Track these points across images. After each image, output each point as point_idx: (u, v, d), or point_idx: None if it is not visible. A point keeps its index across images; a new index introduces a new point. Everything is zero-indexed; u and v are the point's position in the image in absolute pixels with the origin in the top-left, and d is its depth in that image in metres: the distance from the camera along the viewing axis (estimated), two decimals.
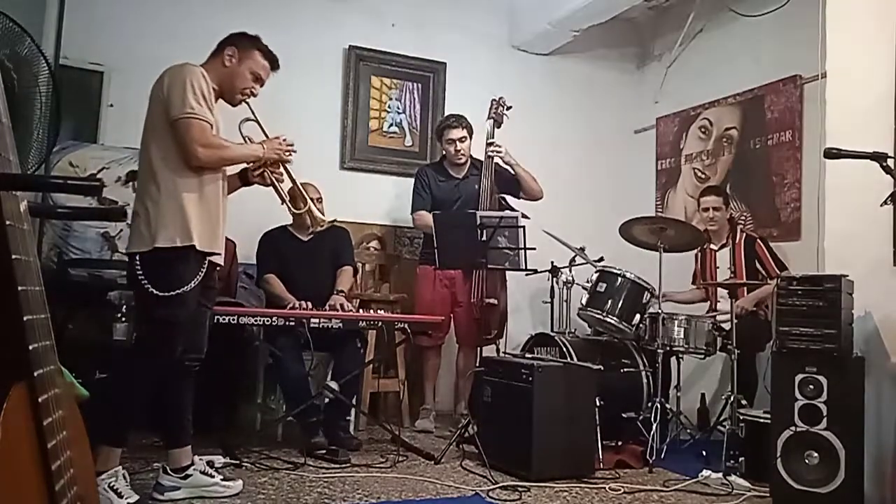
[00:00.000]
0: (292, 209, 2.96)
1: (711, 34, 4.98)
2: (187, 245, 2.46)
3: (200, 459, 2.69)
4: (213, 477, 2.65)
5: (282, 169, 2.81)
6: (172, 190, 2.47)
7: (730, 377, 3.48)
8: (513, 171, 4.26)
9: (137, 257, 2.45)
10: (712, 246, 4.21)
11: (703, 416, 4.16)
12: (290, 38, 4.56)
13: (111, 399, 2.46)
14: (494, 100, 4.29)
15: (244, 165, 2.79)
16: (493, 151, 4.18)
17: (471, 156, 4.31)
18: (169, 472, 2.60)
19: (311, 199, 3.08)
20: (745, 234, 4.13)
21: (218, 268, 2.67)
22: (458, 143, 4.23)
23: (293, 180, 2.91)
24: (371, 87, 4.90)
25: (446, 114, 4.72)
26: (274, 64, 2.77)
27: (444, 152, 4.38)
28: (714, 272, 4.17)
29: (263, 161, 2.75)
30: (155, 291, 2.42)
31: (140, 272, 2.44)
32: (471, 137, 4.27)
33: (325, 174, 4.23)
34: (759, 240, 4.05)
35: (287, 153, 2.80)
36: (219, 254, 2.61)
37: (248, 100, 2.74)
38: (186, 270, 2.47)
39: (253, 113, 2.81)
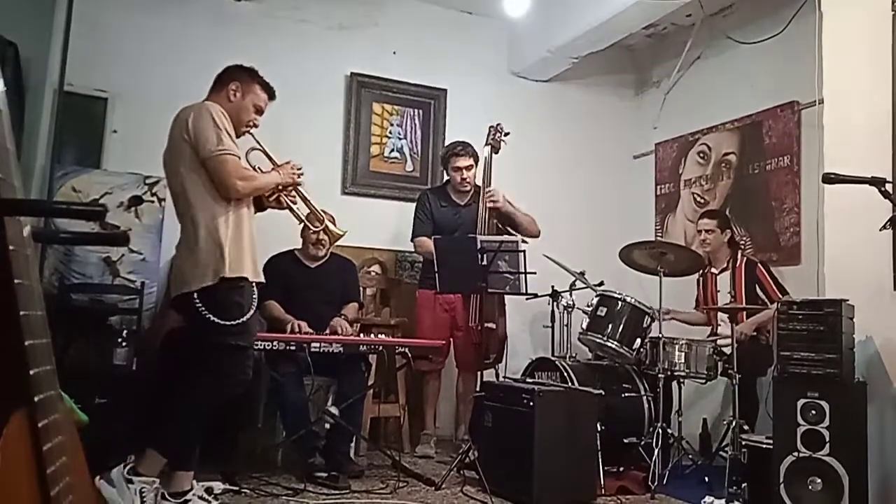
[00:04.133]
0: (311, 227, 3.18)
1: (709, 61, 5.03)
2: (241, 276, 2.61)
3: (200, 485, 2.68)
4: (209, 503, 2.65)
5: (294, 192, 2.96)
6: (215, 227, 2.60)
7: (731, 402, 3.46)
8: (511, 216, 4.21)
9: (195, 295, 2.56)
10: (713, 270, 4.21)
11: (704, 442, 4.13)
12: (292, 65, 4.63)
13: (178, 424, 2.61)
14: (492, 126, 4.31)
15: None
16: (490, 202, 4.15)
17: (475, 183, 4.32)
18: (168, 497, 2.57)
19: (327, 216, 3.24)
20: (745, 258, 4.13)
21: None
22: (464, 171, 4.22)
23: (306, 201, 3.04)
24: (372, 113, 4.94)
25: (448, 139, 4.76)
26: (272, 95, 2.91)
27: (447, 178, 4.39)
28: (715, 296, 4.16)
29: (281, 186, 2.90)
30: (220, 321, 2.55)
31: (200, 307, 2.56)
32: (476, 165, 4.27)
33: (326, 199, 4.21)
34: (759, 264, 4.04)
35: (298, 176, 2.94)
36: (264, 282, 2.80)
37: (251, 130, 2.89)
38: (244, 299, 2.63)
39: (258, 142, 2.96)
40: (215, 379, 2.62)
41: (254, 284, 2.69)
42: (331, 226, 3.17)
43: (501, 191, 4.18)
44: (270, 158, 2.97)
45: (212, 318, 2.55)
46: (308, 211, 3.09)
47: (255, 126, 2.89)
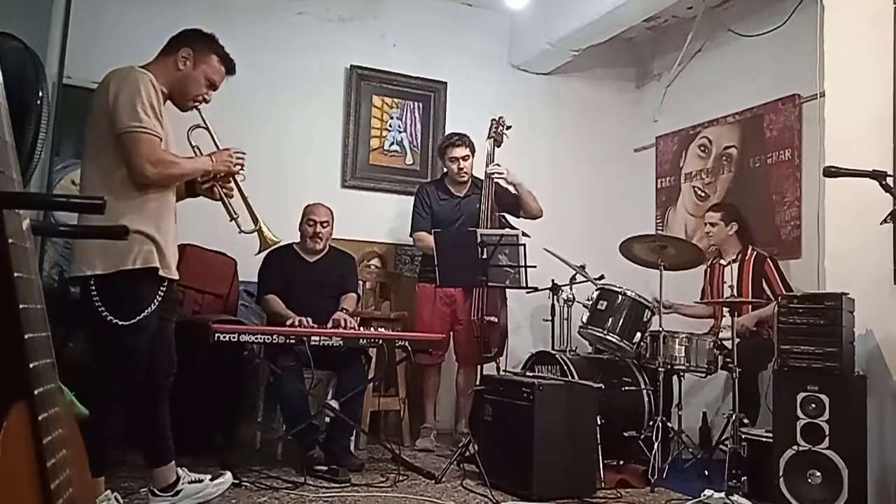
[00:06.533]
0: (240, 228, 2.71)
1: (710, 54, 5.01)
2: (146, 267, 2.33)
3: (183, 470, 2.62)
4: (201, 482, 2.61)
5: (232, 183, 2.64)
6: (122, 209, 2.30)
7: (731, 395, 3.46)
8: (514, 191, 4.26)
9: (92, 281, 2.30)
10: (721, 261, 4.20)
11: (704, 435, 4.13)
12: (291, 58, 4.63)
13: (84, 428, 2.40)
14: (494, 119, 4.31)
15: None
16: (495, 174, 4.18)
17: (472, 174, 4.33)
18: (158, 492, 2.53)
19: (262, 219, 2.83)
20: (756, 252, 4.10)
21: (176, 282, 2.54)
22: (461, 161, 4.24)
23: (243, 196, 2.69)
24: (372, 106, 4.93)
25: (447, 132, 4.75)
26: (231, 69, 2.61)
27: (445, 170, 4.40)
28: (721, 287, 4.15)
29: (213, 174, 2.60)
30: (114, 320, 2.28)
31: (96, 297, 2.29)
32: (473, 156, 4.29)
33: (326, 192, 4.25)
34: (769, 259, 4.02)
35: (237, 166, 2.63)
36: (175, 277, 2.50)
37: (199, 106, 2.58)
38: (145, 294, 2.34)
39: (203, 120, 2.63)
40: (109, 385, 2.33)
41: (166, 280, 2.40)
42: (265, 229, 2.74)
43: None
44: (214, 140, 2.64)
45: (104, 312, 2.28)
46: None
47: (206, 101, 2.57)
